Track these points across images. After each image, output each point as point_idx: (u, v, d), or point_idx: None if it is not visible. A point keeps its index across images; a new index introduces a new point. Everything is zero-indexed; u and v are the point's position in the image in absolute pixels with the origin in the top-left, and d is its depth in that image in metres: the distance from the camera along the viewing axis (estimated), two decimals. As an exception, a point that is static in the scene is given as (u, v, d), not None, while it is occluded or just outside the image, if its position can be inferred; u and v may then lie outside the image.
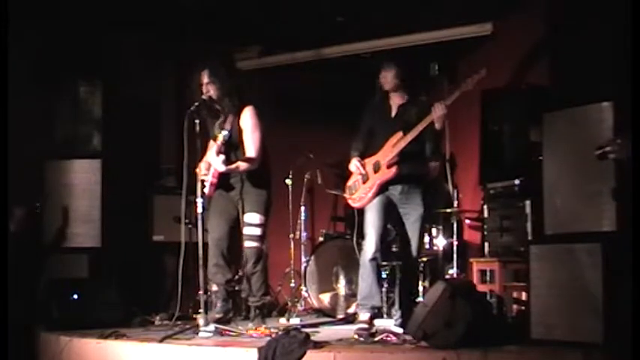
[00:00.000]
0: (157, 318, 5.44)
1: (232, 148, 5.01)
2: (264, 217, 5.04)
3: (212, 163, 4.97)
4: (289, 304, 6.23)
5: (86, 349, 4.60)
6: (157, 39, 6.98)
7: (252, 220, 5.00)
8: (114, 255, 6.07)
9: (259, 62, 7.47)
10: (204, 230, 4.88)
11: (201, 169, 5.02)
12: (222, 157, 4.87)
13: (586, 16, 4.29)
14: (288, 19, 6.79)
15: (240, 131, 5.00)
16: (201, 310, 4.75)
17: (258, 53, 7.48)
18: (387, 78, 4.92)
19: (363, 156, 4.98)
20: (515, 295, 5.37)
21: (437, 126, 4.71)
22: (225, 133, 4.89)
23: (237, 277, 5.80)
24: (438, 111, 4.65)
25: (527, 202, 5.43)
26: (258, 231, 5.02)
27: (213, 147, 5.01)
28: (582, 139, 4.09)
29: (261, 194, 5.04)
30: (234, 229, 5.11)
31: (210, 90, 4.99)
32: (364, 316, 4.84)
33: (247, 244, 5.02)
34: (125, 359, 4.40)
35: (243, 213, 4.99)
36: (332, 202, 7.27)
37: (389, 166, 4.85)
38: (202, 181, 4.97)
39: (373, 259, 4.84)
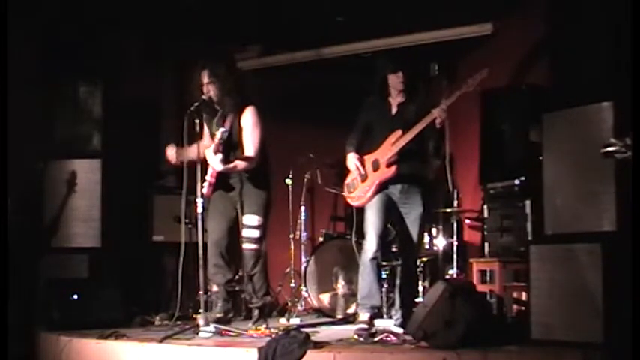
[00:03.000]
0: (157, 318, 5.43)
1: (231, 148, 4.99)
2: (263, 218, 5.03)
3: (210, 163, 4.95)
4: (289, 304, 6.23)
5: (86, 349, 4.59)
6: (157, 39, 6.97)
7: (250, 222, 4.99)
8: (114, 255, 6.06)
9: (259, 62, 7.46)
10: (204, 230, 4.87)
11: (170, 154, 5.10)
12: (220, 156, 4.85)
13: (586, 16, 4.29)
14: (288, 19, 6.79)
15: (239, 131, 4.98)
16: (201, 310, 4.75)
17: (258, 53, 7.47)
18: (395, 81, 4.91)
19: (359, 152, 4.97)
20: (515, 295, 5.37)
21: (437, 125, 4.72)
22: (222, 130, 4.81)
23: (237, 277, 5.80)
24: (438, 112, 4.65)
25: (527, 202, 5.44)
26: (256, 233, 5.01)
27: (210, 146, 4.98)
28: (582, 139, 4.09)
29: (261, 195, 5.03)
30: (234, 229, 5.10)
31: (210, 90, 4.97)
32: (364, 316, 4.84)
33: (245, 246, 5.02)
34: (125, 359, 4.40)
35: (242, 214, 4.98)
36: (332, 202, 7.26)
37: (388, 165, 4.85)
38: (178, 165, 5.01)
39: (374, 258, 4.84)
